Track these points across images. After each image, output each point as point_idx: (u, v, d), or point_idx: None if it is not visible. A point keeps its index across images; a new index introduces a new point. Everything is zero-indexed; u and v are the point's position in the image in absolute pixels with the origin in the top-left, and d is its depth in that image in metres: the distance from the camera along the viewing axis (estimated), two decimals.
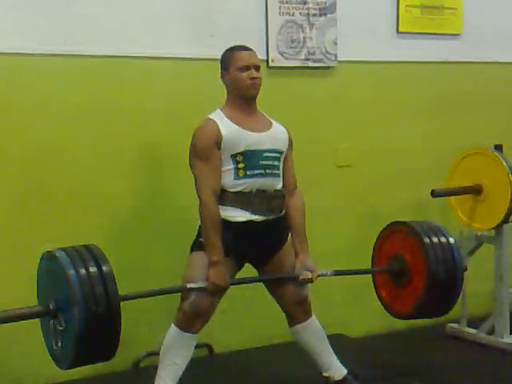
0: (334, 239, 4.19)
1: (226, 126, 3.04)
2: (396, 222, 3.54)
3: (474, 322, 4.18)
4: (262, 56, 3.90)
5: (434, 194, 4.02)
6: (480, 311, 4.29)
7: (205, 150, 3.01)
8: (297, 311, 3.22)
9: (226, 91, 3.17)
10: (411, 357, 3.85)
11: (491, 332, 4.08)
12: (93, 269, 2.62)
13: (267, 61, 4.00)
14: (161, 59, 3.74)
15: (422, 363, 3.74)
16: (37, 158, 3.51)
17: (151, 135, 3.74)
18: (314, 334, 3.27)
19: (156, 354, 3.13)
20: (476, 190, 4.06)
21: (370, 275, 3.59)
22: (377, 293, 3.55)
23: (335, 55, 4.18)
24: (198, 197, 3.02)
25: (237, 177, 3.05)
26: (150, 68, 3.73)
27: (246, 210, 3.05)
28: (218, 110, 3.13)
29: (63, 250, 2.71)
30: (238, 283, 3.12)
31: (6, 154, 3.45)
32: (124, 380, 3.53)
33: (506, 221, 3.97)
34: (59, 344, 2.66)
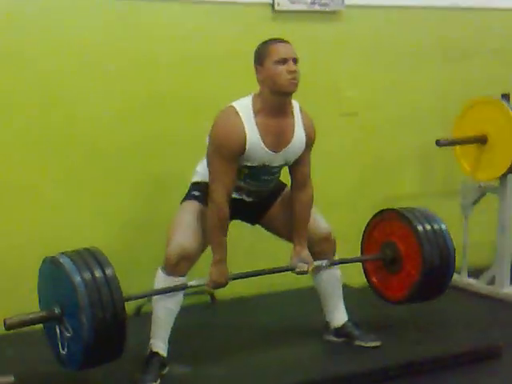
0: (338, 186, 4.17)
1: (252, 138, 2.93)
2: (385, 209, 3.52)
3: (475, 273, 4.21)
4: None
5: (438, 143, 4.00)
6: (481, 262, 4.31)
7: (229, 154, 2.92)
8: (321, 248, 3.25)
9: (259, 85, 2.98)
10: (411, 307, 3.87)
11: (491, 282, 4.11)
12: (98, 274, 2.64)
13: (273, 4, 3.91)
14: (166, 1, 3.67)
15: (421, 313, 3.76)
16: (38, 101, 3.46)
17: (156, 80, 3.69)
18: (331, 276, 3.31)
19: None
20: (481, 140, 4.04)
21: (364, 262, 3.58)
22: (367, 279, 3.55)
23: None
24: (210, 192, 2.96)
25: (237, 178, 3.03)
26: (154, 11, 3.66)
27: (239, 194, 3.09)
28: (249, 102, 2.97)
29: (66, 255, 2.71)
30: (239, 278, 3.15)
31: (7, 101, 3.41)
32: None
33: (510, 171, 3.97)
34: (65, 349, 2.67)
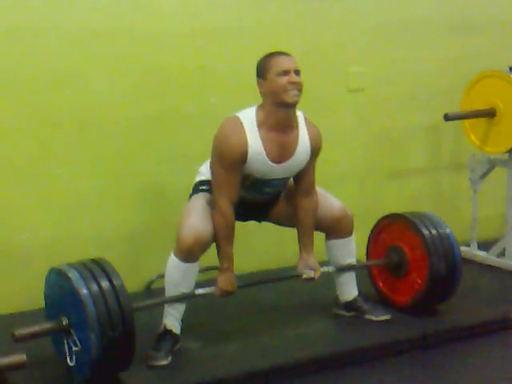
0: (346, 162, 4.19)
1: (255, 148, 2.92)
2: (393, 214, 3.50)
3: (485, 245, 4.21)
4: None
5: (447, 117, 3.98)
6: (490, 234, 4.32)
7: (231, 163, 2.91)
8: (338, 225, 3.24)
9: (262, 98, 2.97)
10: None
11: (501, 255, 4.11)
12: (105, 285, 2.62)
13: None
14: None
15: None
16: (47, 81, 3.47)
17: (162, 58, 3.69)
18: (346, 248, 3.30)
19: None
20: (490, 113, 4.01)
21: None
22: (373, 283, 3.55)
23: None
24: (215, 202, 2.97)
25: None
26: None
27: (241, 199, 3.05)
28: (253, 114, 2.96)
29: (74, 267, 2.69)
30: (247, 286, 3.16)
31: (18, 79, 3.42)
32: (136, 301, 3.58)
33: None
34: (73, 361, 2.67)
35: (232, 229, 2.98)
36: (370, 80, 4.20)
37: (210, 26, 3.71)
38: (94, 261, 2.76)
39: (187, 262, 2.95)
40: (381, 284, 3.53)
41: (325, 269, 3.24)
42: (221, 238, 2.98)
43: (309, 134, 3.05)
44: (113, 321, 2.59)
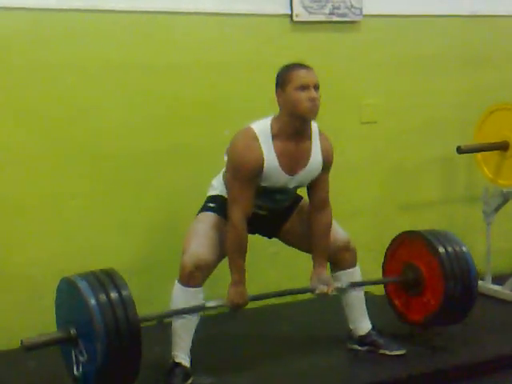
0: (359, 195, 4.18)
1: (270, 162, 2.93)
2: (410, 231, 3.49)
3: (499, 279, 4.17)
4: (285, 10, 3.88)
5: (459, 150, 3.98)
6: (505, 268, 4.29)
7: (247, 178, 2.92)
8: (341, 257, 3.23)
9: (278, 108, 2.98)
10: None
11: None
12: (113, 296, 2.63)
13: (291, 15, 3.94)
14: (186, 14, 3.71)
15: None
16: (63, 115, 3.51)
17: (177, 91, 3.72)
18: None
19: None
20: (503, 146, 4.01)
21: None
22: (389, 301, 3.54)
23: (360, 9, 4.11)
24: (229, 214, 2.96)
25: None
26: (175, 23, 3.71)
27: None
28: (268, 124, 2.97)
29: (82, 277, 2.70)
30: (258, 299, 3.15)
31: (32, 111, 3.45)
32: (149, 335, 3.56)
33: None
34: (80, 371, 2.67)
35: (244, 242, 2.97)
36: (383, 112, 4.22)
37: (224, 59, 3.75)
38: (103, 271, 2.76)
39: (189, 287, 2.96)
40: (396, 301, 3.49)
41: (338, 284, 3.20)
42: (232, 251, 2.97)
43: (321, 146, 3.06)
44: (120, 331, 2.59)
